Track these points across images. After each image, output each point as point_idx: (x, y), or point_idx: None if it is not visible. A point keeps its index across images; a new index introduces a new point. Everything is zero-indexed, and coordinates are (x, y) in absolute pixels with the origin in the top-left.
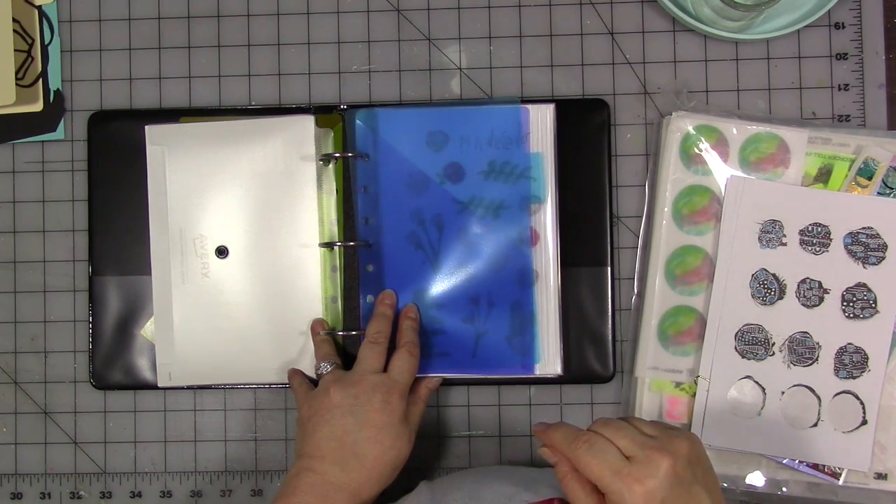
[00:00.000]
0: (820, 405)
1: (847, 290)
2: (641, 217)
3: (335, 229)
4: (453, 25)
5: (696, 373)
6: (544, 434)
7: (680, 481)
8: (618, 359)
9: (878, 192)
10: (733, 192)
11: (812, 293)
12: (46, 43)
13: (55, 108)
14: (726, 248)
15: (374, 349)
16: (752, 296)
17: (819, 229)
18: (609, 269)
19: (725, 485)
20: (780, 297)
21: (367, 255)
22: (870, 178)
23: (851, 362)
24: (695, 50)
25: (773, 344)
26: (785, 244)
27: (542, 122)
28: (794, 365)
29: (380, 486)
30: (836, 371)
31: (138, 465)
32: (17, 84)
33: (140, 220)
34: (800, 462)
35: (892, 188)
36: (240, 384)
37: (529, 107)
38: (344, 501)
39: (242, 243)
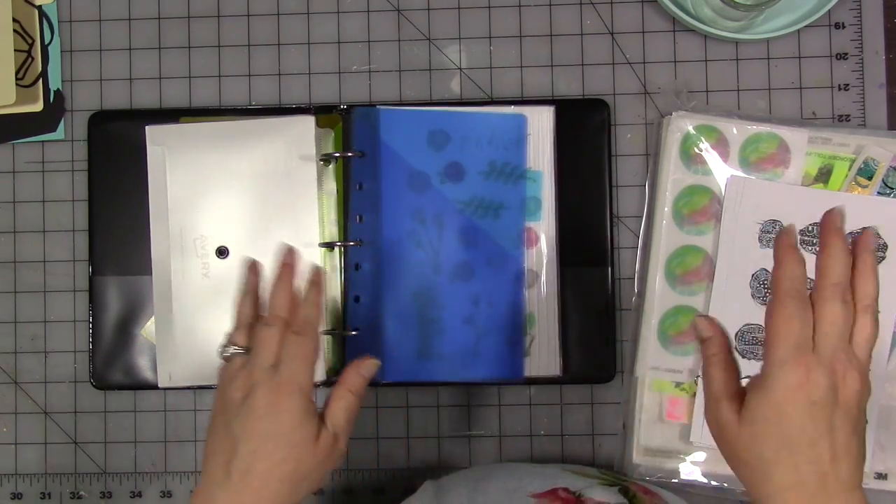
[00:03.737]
0: None
1: None
2: (641, 217)
3: (335, 229)
4: (453, 25)
5: (696, 373)
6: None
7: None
8: (618, 359)
9: (878, 192)
10: (733, 192)
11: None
12: (46, 43)
13: (55, 108)
14: (726, 248)
15: (266, 333)
16: (752, 296)
17: (819, 229)
18: (609, 269)
19: (726, 485)
20: None
21: (357, 254)
22: (870, 178)
23: None
24: (695, 50)
25: None
26: None
27: (541, 125)
28: None
29: None
30: None
31: (138, 465)
32: (17, 84)
33: (140, 220)
34: None
35: (892, 188)
36: None
37: (528, 112)
38: None
39: (243, 243)
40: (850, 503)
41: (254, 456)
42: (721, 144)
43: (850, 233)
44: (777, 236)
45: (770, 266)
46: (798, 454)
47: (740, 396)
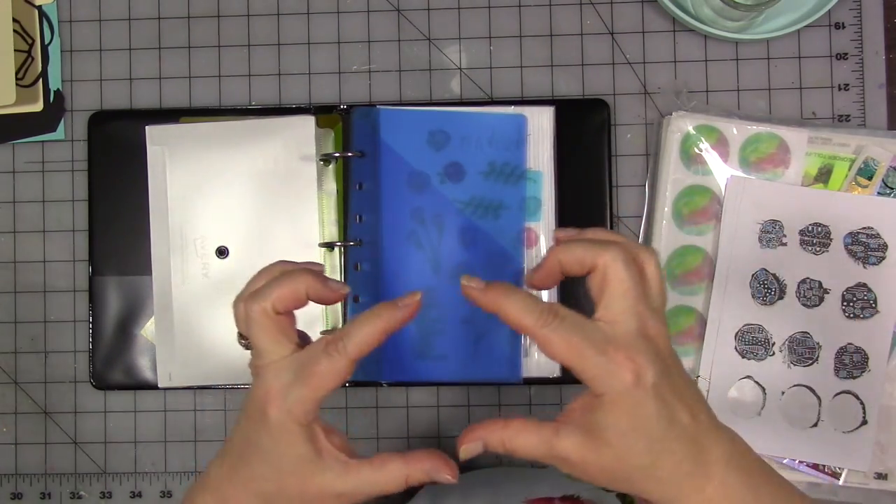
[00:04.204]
0: (820, 405)
1: (847, 290)
2: (641, 217)
3: (335, 229)
4: (453, 25)
5: (696, 373)
6: (486, 295)
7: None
8: None
9: (878, 192)
10: (733, 192)
11: (812, 293)
12: (46, 43)
13: (55, 108)
14: (726, 248)
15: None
16: (752, 296)
17: (819, 229)
18: None
19: None
20: (780, 297)
21: (357, 254)
22: (870, 178)
23: (851, 362)
24: (695, 50)
25: (773, 344)
26: (785, 244)
27: (541, 125)
28: (794, 365)
29: None
30: (836, 371)
31: (138, 465)
32: (17, 84)
33: (140, 220)
34: (800, 462)
35: (892, 188)
36: (240, 384)
37: (528, 112)
38: None
39: (243, 243)
40: (727, 441)
41: (238, 455)
42: (721, 144)
43: (850, 233)
44: (473, 294)
45: (770, 266)
46: (667, 440)
47: (554, 428)
